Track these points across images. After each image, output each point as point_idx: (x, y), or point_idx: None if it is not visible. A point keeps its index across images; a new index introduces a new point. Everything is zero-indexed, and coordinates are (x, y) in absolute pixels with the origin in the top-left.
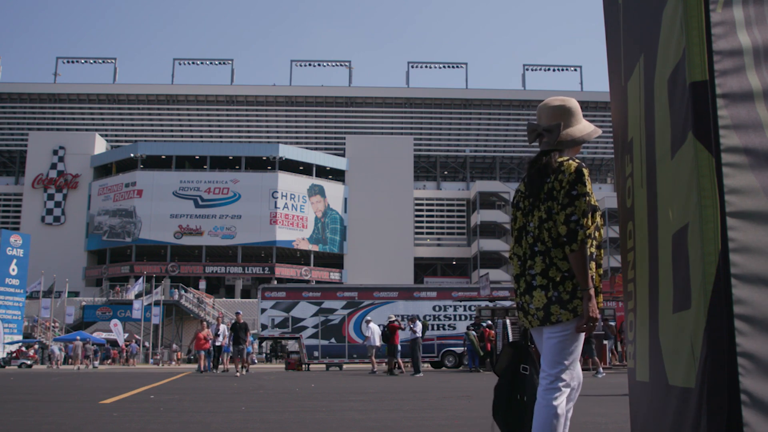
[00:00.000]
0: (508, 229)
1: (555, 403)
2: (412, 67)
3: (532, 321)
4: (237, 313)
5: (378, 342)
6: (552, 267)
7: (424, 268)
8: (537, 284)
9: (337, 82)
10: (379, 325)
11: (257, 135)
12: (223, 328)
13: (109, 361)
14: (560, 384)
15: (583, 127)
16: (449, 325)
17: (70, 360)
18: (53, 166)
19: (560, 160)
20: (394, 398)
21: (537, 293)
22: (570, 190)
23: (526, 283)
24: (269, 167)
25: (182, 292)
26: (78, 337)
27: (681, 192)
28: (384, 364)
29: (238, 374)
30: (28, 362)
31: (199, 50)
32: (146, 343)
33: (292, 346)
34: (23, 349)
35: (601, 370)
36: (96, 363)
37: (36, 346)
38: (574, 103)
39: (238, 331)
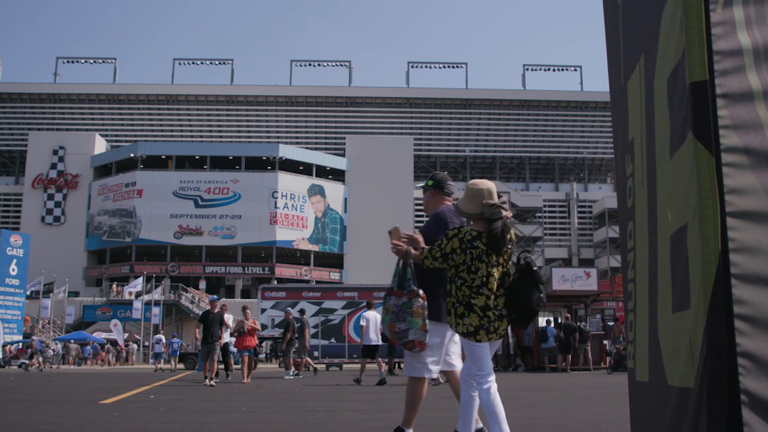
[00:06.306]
0: None
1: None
2: (412, 67)
3: (502, 334)
4: (211, 300)
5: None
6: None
7: None
8: (505, 314)
9: (337, 82)
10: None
11: (257, 135)
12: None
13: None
14: None
15: None
16: None
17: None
18: (53, 166)
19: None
20: (394, 398)
21: (504, 322)
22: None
23: (495, 315)
24: (269, 167)
25: (182, 292)
26: (72, 340)
27: (680, 192)
28: (383, 364)
29: (207, 382)
30: (28, 362)
31: (199, 50)
32: (146, 343)
33: None
34: (24, 349)
35: (290, 372)
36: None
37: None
38: None
39: (212, 324)
